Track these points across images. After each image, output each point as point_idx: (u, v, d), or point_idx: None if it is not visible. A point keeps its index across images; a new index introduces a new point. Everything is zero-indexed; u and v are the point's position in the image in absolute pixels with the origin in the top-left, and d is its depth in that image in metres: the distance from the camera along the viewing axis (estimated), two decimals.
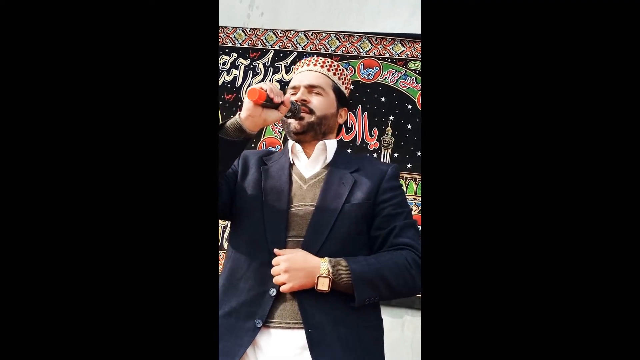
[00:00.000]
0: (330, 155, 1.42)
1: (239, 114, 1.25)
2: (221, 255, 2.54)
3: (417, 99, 2.64)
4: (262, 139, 2.72)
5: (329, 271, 1.23)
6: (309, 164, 1.41)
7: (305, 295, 1.25)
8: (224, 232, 2.62)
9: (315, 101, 1.41)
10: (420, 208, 2.53)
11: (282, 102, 1.26)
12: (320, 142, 1.42)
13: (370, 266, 1.25)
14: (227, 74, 2.77)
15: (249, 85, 2.75)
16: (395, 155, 2.62)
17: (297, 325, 1.25)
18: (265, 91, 1.22)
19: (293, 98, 1.40)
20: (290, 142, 1.45)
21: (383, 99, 2.65)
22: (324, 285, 1.23)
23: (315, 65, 1.47)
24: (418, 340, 2.38)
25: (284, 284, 1.24)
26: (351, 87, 1.61)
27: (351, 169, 1.40)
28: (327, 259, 1.25)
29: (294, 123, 1.40)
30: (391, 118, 2.64)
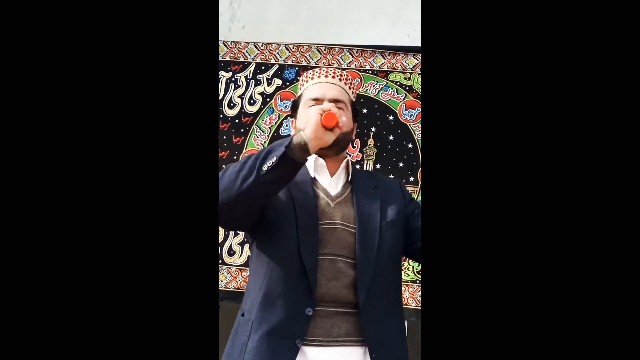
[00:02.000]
0: (350, 173, 1.42)
1: (302, 134, 1.22)
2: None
3: (399, 110, 2.66)
4: (244, 151, 2.71)
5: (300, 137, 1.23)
6: (333, 181, 1.40)
7: (372, 317, 1.28)
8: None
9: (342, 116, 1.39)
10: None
11: (337, 124, 1.24)
12: (345, 160, 1.43)
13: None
14: None
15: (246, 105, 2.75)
16: (378, 166, 2.63)
17: (330, 344, 1.27)
18: (336, 114, 1.21)
19: (323, 106, 1.35)
20: (312, 156, 1.38)
21: (365, 111, 2.67)
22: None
23: (333, 77, 1.44)
24: (418, 344, 2.38)
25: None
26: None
27: (371, 186, 1.41)
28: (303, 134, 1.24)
29: None
30: (373, 129, 2.66)
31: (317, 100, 1.40)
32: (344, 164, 1.42)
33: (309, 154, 1.22)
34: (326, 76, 1.44)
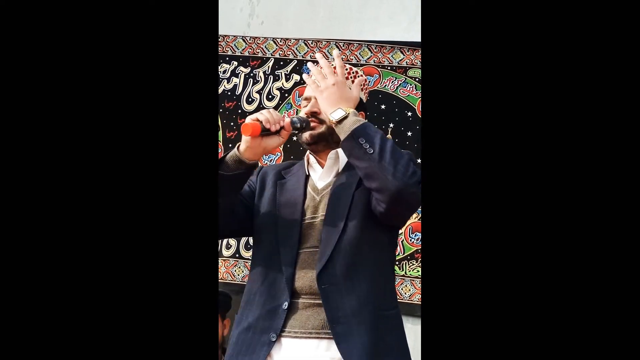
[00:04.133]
0: (342, 164, 1.40)
1: (238, 147, 1.27)
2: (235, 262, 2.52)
3: (417, 106, 2.65)
4: None
5: (349, 112, 1.27)
6: (323, 174, 1.40)
7: (329, 287, 1.26)
8: (235, 241, 2.62)
9: None
10: (420, 215, 2.53)
11: (283, 127, 1.27)
12: (332, 152, 1.39)
13: (380, 135, 1.26)
14: (228, 82, 2.78)
15: (253, 103, 2.76)
16: None
17: (304, 335, 1.26)
18: (260, 122, 1.23)
19: (303, 111, 1.39)
20: (306, 153, 1.45)
21: (383, 107, 2.66)
22: (337, 115, 1.27)
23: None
24: (418, 348, 2.37)
25: (313, 83, 1.30)
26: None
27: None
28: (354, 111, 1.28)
29: (305, 135, 1.38)
30: (391, 125, 2.65)
31: (307, 99, 1.41)
32: (332, 154, 1.39)
33: (247, 164, 1.26)
34: None
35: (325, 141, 1.39)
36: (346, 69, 1.42)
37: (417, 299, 2.45)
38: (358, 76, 1.44)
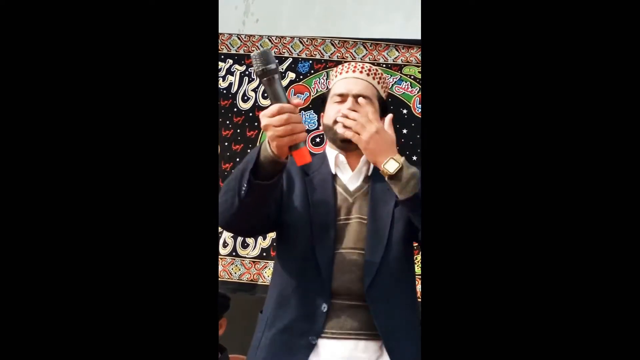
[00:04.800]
0: (372, 167, 1.39)
1: (265, 148, 1.16)
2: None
3: (413, 103, 2.65)
4: (258, 144, 2.72)
5: (402, 162, 1.24)
6: (354, 176, 1.39)
7: (379, 302, 1.27)
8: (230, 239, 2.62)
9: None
10: None
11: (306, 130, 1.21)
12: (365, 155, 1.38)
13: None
14: (223, 81, 2.78)
15: (258, 107, 2.76)
16: None
17: (342, 336, 1.27)
18: (306, 145, 1.15)
19: (344, 107, 1.35)
20: (332, 152, 1.41)
21: None
22: (391, 167, 1.24)
23: (361, 72, 1.42)
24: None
25: (354, 134, 1.25)
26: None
27: None
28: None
29: (340, 130, 1.33)
30: None
31: (342, 96, 1.38)
32: (363, 158, 1.38)
33: (282, 162, 1.16)
34: (354, 71, 1.43)
35: None
36: (373, 73, 1.42)
37: None
38: (378, 73, 1.44)
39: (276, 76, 1.13)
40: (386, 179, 1.26)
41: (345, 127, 1.28)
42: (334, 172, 1.40)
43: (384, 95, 1.46)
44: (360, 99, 1.34)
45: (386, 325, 1.26)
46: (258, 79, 1.19)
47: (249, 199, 1.17)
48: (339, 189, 1.38)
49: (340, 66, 1.48)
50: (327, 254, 1.29)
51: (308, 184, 1.37)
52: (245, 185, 1.15)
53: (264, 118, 1.13)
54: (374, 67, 1.45)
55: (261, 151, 1.17)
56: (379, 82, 1.44)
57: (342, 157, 1.40)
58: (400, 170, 1.23)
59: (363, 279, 1.28)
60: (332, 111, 1.40)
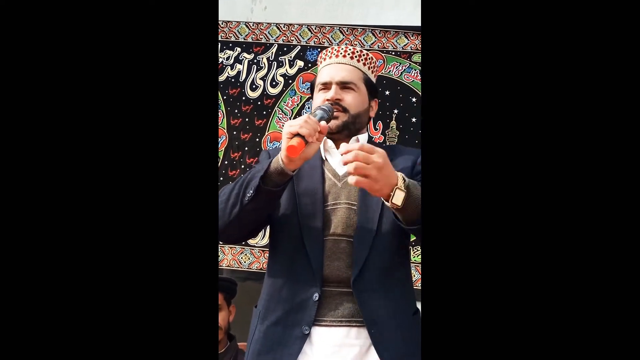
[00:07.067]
0: None
1: (280, 159, 1.19)
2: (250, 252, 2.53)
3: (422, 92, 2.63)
4: (266, 133, 2.72)
5: (404, 182, 1.13)
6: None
7: (365, 292, 1.26)
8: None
9: (349, 99, 1.36)
10: None
11: (320, 132, 1.19)
12: (354, 138, 1.37)
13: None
14: (231, 69, 2.77)
15: (262, 92, 2.75)
16: None
17: (334, 324, 1.26)
18: (303, 138, 1.14)
19: (327, 96, 1.34)
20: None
21: (387, 92, 2.65)
22: (398, 199, 1.12)
23: (344, 56, 1.39)
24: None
25: (360, 176, 1.09)
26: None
27: None
28: (400, 174, 1.14)
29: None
30: (395, 111, 2.64)
31: (325, 85, 1.37)
32: (352, 141, 1.36)
33: (290, 175, 1.19)
34: (337, 56, 1.40)
35: (348, 130, 1.36)
36: (357, 56, 1.39)
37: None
38: (363, 55, 1.41)
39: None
40: (392, 210, 1.16)
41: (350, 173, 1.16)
42: (323, 157, 1.38)
43: (373, 78, 1.42)
44: (350, 144, 1.26)
45: (371, 315, 1.25)
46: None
47: (251, 206, 1.19)
48: (328, 174, 1.36)
49: (324, 51, 1.45)
50: (317, 240, 1.28)
51: (294, 175, 1.34)
52: (251, 192, 1.18)
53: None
54: (358, 49, 1.42)
55: (272, 163, 1.21)
56: (365, 64, 1.40)
57: (330, 142, 1.38)
58: (406, 198, 1.13)
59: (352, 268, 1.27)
60: (318, 100, 1.38)
